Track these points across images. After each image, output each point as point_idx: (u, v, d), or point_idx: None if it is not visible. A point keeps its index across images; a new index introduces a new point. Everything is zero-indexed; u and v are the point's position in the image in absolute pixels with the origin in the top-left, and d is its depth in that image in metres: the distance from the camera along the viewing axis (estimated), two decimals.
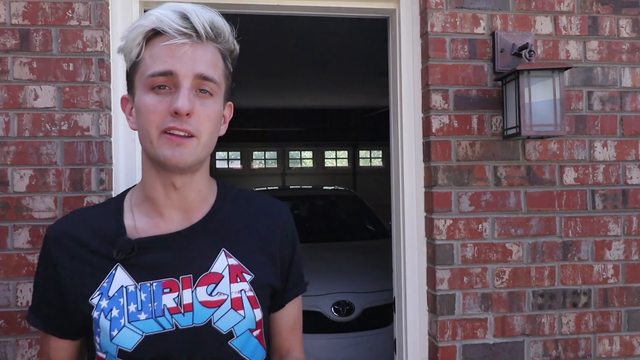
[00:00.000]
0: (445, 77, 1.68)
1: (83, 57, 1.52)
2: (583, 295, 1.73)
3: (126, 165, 1.62)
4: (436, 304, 1.66)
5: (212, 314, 0.91)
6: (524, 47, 1.63)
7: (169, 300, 0.90)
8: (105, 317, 0.89)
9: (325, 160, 13.19)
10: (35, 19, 1.50)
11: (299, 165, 13.25)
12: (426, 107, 1.71)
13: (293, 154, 13.17)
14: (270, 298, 1.02)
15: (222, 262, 0.95)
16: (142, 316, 0.89)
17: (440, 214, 1.67)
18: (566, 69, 1.59)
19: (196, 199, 0.97)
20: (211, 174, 1.07)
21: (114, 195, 1.55)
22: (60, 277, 0.93)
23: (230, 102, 1.01)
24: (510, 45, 1.69)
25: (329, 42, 4.65)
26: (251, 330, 0.95)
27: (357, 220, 5.09)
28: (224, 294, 0.93)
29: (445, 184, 1.67)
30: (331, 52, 5.07)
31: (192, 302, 0.91)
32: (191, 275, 0.92)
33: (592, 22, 1.76)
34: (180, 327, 0.90)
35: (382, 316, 3.32)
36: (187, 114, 0.85)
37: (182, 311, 0.90)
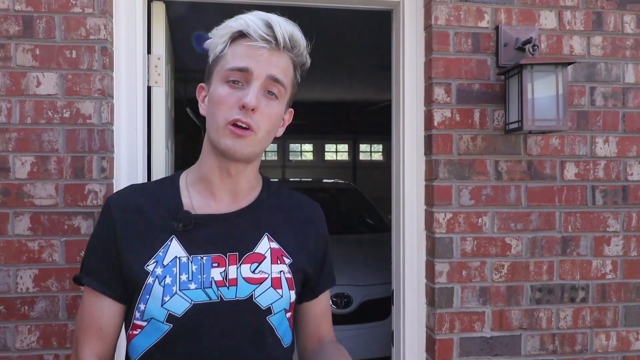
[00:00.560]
0: (448, 70, 1.68)
1: (86, 45, 1.51)
2: (581, 290, 1.74)
3: (128, 153, 1.62)
4: (434, 297, 1.67)
5: (254, 290, 1.00)
6: (528, 41, 1.63)
7: (216, 273, 0.99)
8: (160, 284, 0.97)
9: (326, 153, 13.19)
10: (38, 5, 1.50)
11: (299, 158, 13.25)
12: (428, 100, 1.71)
13: (293, 146, 13.16)
14: (302, 285, 1.10)
15: (265, 245, 1.04)
16: (192, 286, 0.97)
17: (441, 207, 1.68)
18: (569, 64, 1.59)
19: (245, 187, 1.07)
20: None
21: (114, 184, 1.57)
22: (119, 242, 0.99)
23: (291, 109, 1.10)
24: (514, 40, 1.69)
25: (332, 35, 4.64)
26: (285, 311, 1.04)
27: (356, 213, 5.10)
28: (266, 273, 1.02)
29: (446, 178, 1.68)
30: (333, 45, 5.06)
31: (237, 278, 1.00)
32: (237, 253, 1.01)
33: (596, 18, 1.76)
34: (224, 299, 0.98)
35: (380, 309, 3.33)
36: (252, 110, 0.95)
37: (227, 285, 0.99)
